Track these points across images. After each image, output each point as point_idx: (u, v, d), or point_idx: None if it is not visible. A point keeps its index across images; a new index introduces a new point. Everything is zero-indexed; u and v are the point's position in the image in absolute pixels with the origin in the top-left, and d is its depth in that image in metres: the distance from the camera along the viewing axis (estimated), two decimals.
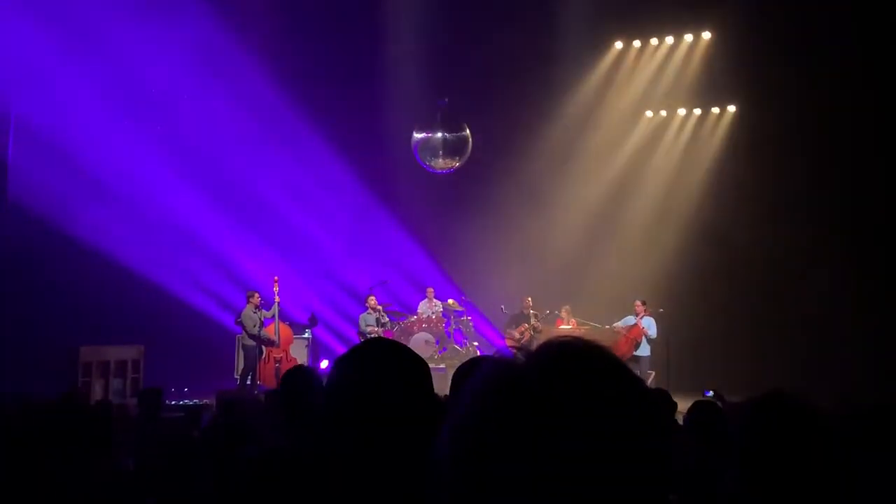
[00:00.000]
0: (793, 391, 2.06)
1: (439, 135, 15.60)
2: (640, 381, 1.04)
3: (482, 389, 1.02)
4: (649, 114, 17.57)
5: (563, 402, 0.97)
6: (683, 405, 5.62)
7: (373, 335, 13.58)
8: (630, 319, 13.68)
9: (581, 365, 1.01)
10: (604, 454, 0.95)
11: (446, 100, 15.55)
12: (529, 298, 14.87)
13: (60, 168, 13.91)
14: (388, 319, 14.09)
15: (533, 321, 14.24)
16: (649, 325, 13.49)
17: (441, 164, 15.72)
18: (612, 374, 1.02)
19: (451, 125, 15.54)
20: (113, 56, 14.57)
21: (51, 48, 13.96)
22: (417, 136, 15.69)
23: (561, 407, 0.96)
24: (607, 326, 15.38)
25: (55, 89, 14.23)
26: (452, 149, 15.60)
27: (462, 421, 1.02)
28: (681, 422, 5.17)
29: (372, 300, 14.01)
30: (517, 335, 14.18)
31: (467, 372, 2.48)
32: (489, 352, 14.33)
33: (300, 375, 3.81)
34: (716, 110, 16.92)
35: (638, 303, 13.71)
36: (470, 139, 15.57)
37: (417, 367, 1.72)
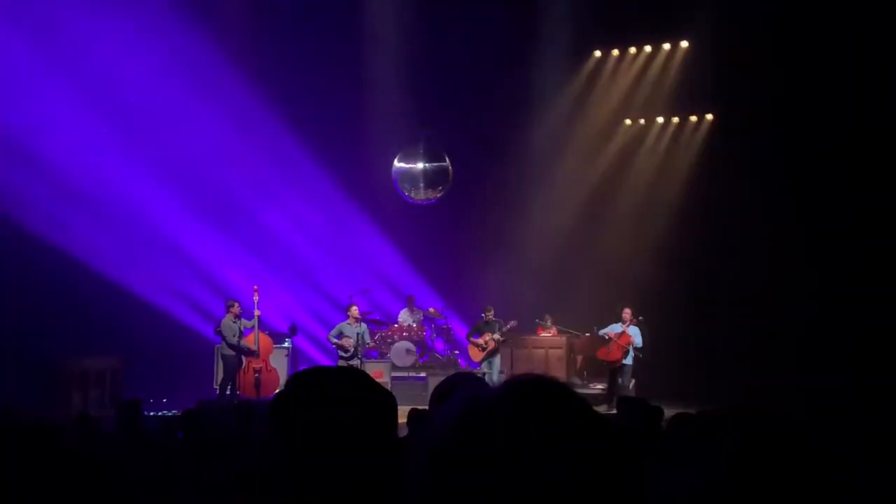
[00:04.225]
0: (767, 403, 2.10)
1: (420, 165, 15.64)
2: (599, 418, 1.08)
3: (451, 425, 1.06)
4: (628, 122, 17.67)
5: (527, 439, 1.01)
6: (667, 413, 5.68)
7: (346, 347, 13.52)
8: (616, 327, 13.67)
9: (544, 403, 1.06)
10: (566, 487, 1.00)
11: (427, 131, 15.58)
12: (491, 307, 14.44)
13: (38, 177, 13.81)
14: (368, 339, 14.00)
15: (497, 334, 13.94)
16: (636, 334, 13.52)
17: (421, 195, 15.78)
18: (573, 412, 1.06)
19: (431, 154, 15.58)
20: (93, 64, 14.49)
21: (28, 54, 13.88)
22: (398, 164, 15.71)
23: (524, 443, 1.01)
24: (587, 334, 15.41)
25: (33, 96, 14.13)
26: (433, 180, 15.66)
27: (432, 451, 1.06)
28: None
29: (354, 310, 13.88)
30: (482, 343, 13.97)
31: (445, 393, 2.48)
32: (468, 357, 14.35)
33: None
34: (693, 118, 17.05)
35: (627, 310, 13.69)
36: (450, 170, 15.62)
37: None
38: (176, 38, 14.55)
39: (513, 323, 14.14)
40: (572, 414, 1.06)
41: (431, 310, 16.42)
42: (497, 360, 13.75)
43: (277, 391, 2.89)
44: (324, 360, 16.35)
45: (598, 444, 1.04)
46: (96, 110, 14.58)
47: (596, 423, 1.07)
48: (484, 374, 13.39)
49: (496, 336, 13.72)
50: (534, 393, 1.07)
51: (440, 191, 15.82)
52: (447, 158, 15.69)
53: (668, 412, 5.72)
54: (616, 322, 13.84)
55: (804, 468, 1.87)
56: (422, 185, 15.75)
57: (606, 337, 13.73)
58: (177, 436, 6.21)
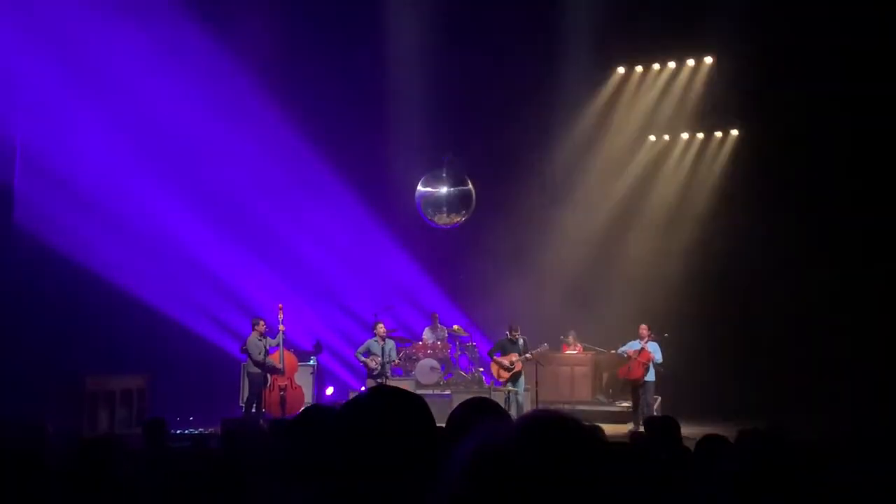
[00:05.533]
0: (780, 422, 2.10)
1: (443, 190, 15.67)
2: (614, 458, 1.10)
3: (471, 467, 1.10)
4: (652, 138, 17.60)
5: (543, 478, 1.04)
6: (687, 430, 5.63)
7: (371, 366, 13.55)
8: (635, 344, 13.57)
9: (560, 443, 1.09)
10: None
11: (451, 156, 15.62)
12: (518, 326, 13.73)
13: (66, 196, 13.96)
14: (395, 356, 14.00)
15: (526, 355, 13.55)
16: (655, 350, 13.42)
17: (445, 219, 15.80)
18: (588, 449, 1.09)
19: (455, 178, 15.61)
20: (119, 85, 14.67)
21: (56, 77, 14.07)
22: (421, 189, 15.75)
23: (542, 482, 1.04)
24: (612, 351, 15.30)
25: (61, 118, 14.31)
26: (456, 204, 15.68)
27: (453, 492, 1.09)
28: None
29: (380, 327, 13.92)
30: (506, 363, 13.57)
31: (461, 424, 2.41)
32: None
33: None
34: (718, 134, 16.96)
35: (644, 327, 13.62)
36: (473, 194, 15.64)
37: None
38: (204, 59, 14.70)
39: (544, 346, 13.86)
40: (583, 458, 1.08)
41: (455, 327, 16.39)
42: (522, 379, 13.61)
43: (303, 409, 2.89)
44: (348, 378, 16.40)
45: (611, 488, 1.06)
46: (124, 131, 14.73)
47: (611, 464, 1.09)
48: (509, 392, 13.29)
49: (526, 356, 13.41)
50: (545, 437, 1.09)
51: (463, 215, 15.84)
52: (470, 182, 15.71)
53: (696, 430, 5.67)
54: (634, 339, 13.75)
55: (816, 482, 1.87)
56: (445, 209, 15.78)
57: (626, 355, 13.65)
58: (206, 454, 6.18)
